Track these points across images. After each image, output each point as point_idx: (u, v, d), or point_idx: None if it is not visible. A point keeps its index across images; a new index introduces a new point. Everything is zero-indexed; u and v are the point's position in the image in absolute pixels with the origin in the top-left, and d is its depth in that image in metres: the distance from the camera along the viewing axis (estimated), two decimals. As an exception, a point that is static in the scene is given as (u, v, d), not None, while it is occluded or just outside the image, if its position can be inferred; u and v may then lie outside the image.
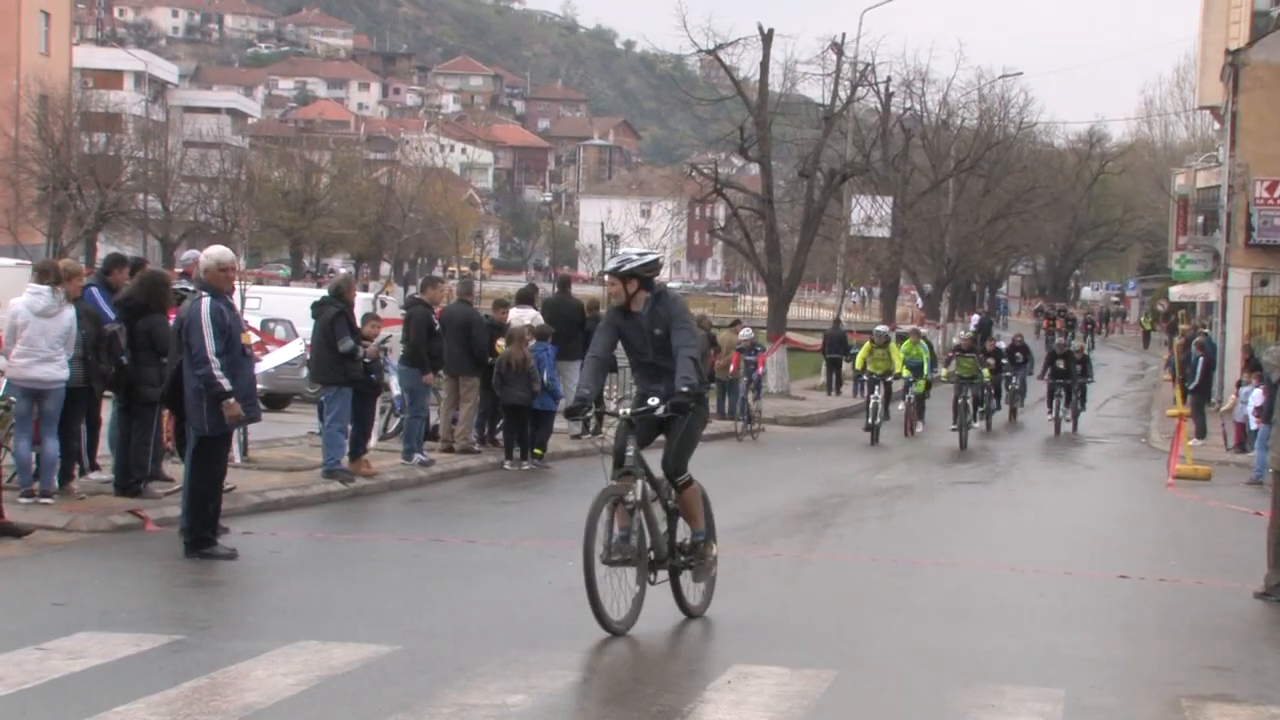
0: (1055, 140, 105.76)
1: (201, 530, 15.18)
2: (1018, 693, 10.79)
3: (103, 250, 32.45)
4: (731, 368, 36.43)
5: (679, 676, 10.87)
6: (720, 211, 67.50)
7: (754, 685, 10.64)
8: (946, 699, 10.54)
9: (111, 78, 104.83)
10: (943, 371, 40.58)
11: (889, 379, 36.74)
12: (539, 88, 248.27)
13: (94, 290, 18.52)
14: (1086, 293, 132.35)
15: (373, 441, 24.47)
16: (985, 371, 38.95)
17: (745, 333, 37.85)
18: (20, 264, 25.57)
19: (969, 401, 36.12)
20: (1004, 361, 43.40)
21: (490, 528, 18.60)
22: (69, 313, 16.97)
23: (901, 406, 39.19)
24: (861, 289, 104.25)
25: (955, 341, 49.42)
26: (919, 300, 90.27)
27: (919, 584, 16.08)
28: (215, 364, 15.05)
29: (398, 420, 25.39)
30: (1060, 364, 41.35)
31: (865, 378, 37.55)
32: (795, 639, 12.65)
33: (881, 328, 41.11)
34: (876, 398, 35.57)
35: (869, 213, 65.05)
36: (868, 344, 37.60)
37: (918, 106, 75.22)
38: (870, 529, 20.48)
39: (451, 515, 19.93)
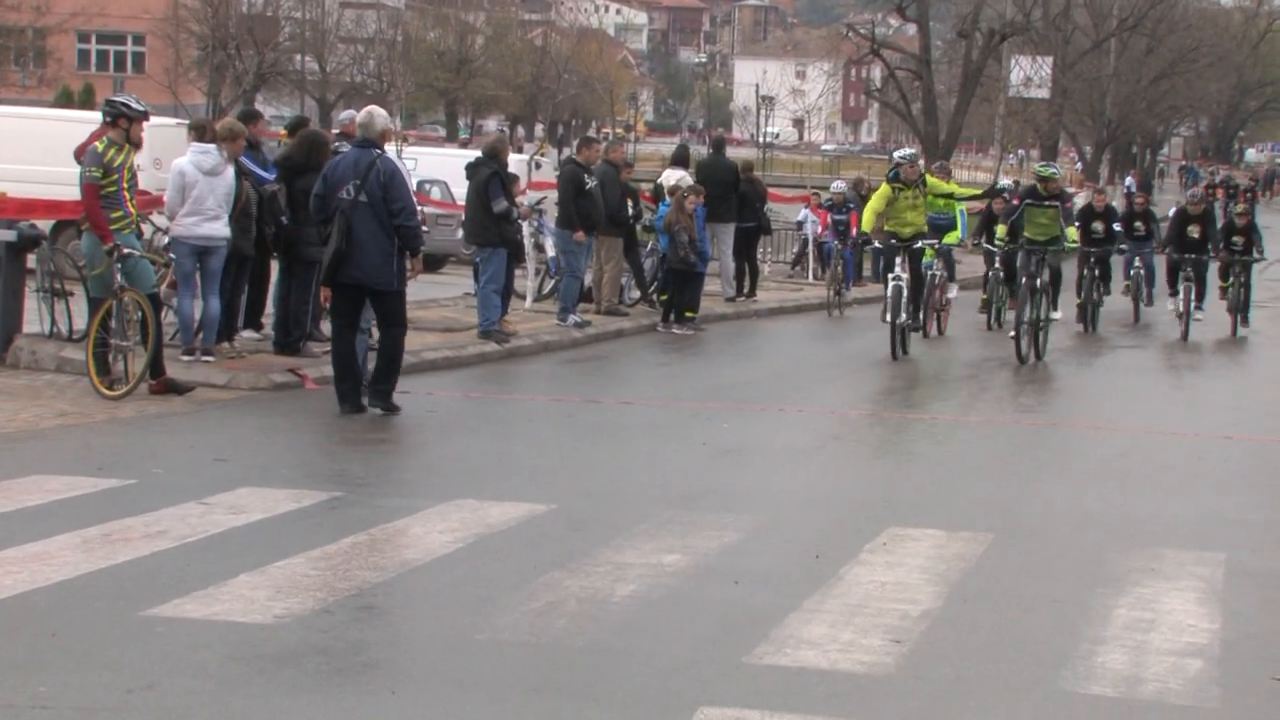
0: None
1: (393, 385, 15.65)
2: (1178, 556, 10.67)
3: (264, 112, 32.49)
4: (820, 228, 33.24)
5: (835, 538, 10.83)
6: (876, 73, 66.97)
7: (910, 547, 10.59)
8: (1105, 562, 10.43)
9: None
10: (1000, 230, 25.52)
11: (916, 244, 23.45)
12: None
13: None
14: (1251, 155, 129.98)
15: (528, 303, 24.62)
16: (1071, 232, 24.23)
17: (836, 184, 32.71)
18: (180, 123, 25.69)
19: (1041, 281, 22.97)
20: (1115, 229, 29.65)
21: (645, 389, 18.64)
22: (230, 171, 17.11)
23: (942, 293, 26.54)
24: (1020, 151, 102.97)
25: (1020, 183, 32.97)
26: (1078, 163, 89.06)
27: (1077, 448, 15.92)
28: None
29: (553, 281, 25.46)
30: (1193, 230, 28.52)
31: (877, 244, 24.72)
32: (951, 502, 12.58)
33: (906, 150, 27.40)
34: (899, 279, 22.48)
35: (1028, 73, 64.11)
36: (884, 187, 23.80)
37: (1081, -37, 73.97)
38: (1027, 392, 20.29)
39: (606, 376, 19.98)
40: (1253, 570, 10.48)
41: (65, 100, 60.24)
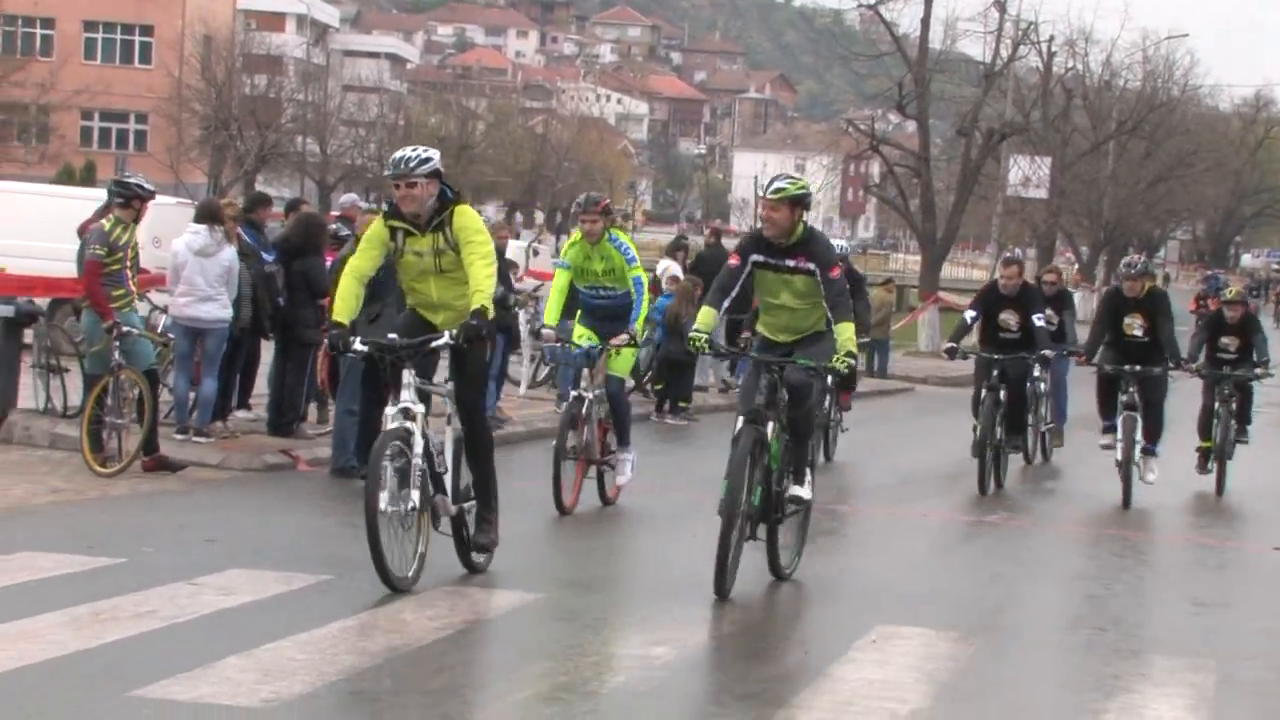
0: (1220, 104, 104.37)
1: None
2: (1169, 663, 10.63)
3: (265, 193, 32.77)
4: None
5: (823, 635, 10.82)
6: (875, 168, 67.26)
7: (899, 646, 10.55)
8: (1096, 667, 10.40)
9: (274, 20, 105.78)
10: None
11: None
12: (696, 39, 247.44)
13: (240, 230, 18.66)
14: (1247, 260, 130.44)
15: (522, 389, 24.62)
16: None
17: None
18: (181, 203, 25.82)
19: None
20: (1036, 322, 19.05)
21: (636, 477, 18.56)
22: (228, 252, 17.13)
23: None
24: (1016, 250, 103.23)
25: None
26: (1075, 263, 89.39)
27: (1069, 550, 15.89)
28: None
29: (547, 369, 25.46)
30: (1133, 325, 18.35)
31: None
32: (941, 601, 12.55)
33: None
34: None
35: (1027, 173, 64.38)
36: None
37: (1080, 67, 74.71)
38: (1020, 491, 20.24)
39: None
40: (1243, 679, 10.44)
41: (67, 177, 60.37)
